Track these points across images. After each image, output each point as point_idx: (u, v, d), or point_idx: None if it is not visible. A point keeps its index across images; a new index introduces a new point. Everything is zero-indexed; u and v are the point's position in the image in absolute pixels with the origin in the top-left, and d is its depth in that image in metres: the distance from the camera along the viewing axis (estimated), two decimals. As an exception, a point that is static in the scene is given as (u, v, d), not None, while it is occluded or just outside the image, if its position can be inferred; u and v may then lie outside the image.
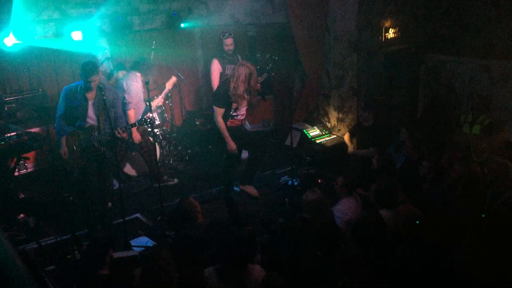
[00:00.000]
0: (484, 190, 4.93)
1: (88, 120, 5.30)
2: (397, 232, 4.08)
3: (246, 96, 5.80)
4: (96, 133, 5.30)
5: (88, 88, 5.21)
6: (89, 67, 5.13)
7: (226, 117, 5.88)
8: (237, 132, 5.99)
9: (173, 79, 7.04)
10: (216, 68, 7.05)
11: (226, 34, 6.93)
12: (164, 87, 7.03)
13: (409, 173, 5.80)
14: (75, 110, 5.26)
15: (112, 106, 5.27)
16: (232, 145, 5.88)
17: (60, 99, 5.34)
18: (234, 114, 5.94)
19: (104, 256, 3.99)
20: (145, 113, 6.39)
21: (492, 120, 6.30)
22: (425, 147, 6.41)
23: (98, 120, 5.28)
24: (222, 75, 7.00)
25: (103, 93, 5.04)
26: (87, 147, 5.31)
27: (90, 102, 5.27)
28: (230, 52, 6.96)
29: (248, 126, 7.30)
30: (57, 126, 5.38)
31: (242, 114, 6.04)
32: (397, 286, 3.54)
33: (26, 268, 1.89)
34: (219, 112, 5.80)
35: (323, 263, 3.64)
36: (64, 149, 5.28)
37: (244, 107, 5.98)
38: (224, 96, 5.78)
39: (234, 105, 5.88)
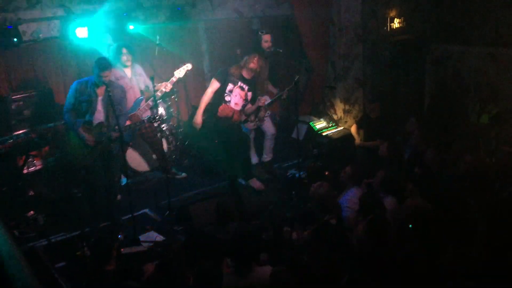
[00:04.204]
0: (492, 182, 4.89)
1: (97, 114, 5.37)
2: (403, 226, 4.06)
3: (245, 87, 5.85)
4: (105, 129, 5.37)
5: (99, 83, 5.30)
6: (103, 62, 5.30)
7: (219, 100, 6.03)
8: (224, 124, 6.04)
9: (188, 66, 6.43)
10: None
11: (264, 30, 6.63)
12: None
13: (417, 163, 5.76)
14: (84, 104, 5.34)
15: (118, 103, 5.35)
16: (197, 119, 6.09)
17: (70, 92, 5.41)
18: (227, 98, 5.98)
19: (110, 251, 4.01)
20: (137, 103, 6.32)
21: (500, 109, 6.24)
22: (433, 137, 6.38)
23: (107, 116, 5.35)
24: None
25: (109, 89, 5.17)
26: (100, 142, 5.36)
27: (99, 98, 5.36)
28: (268, 49, 6.61)
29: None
30: (67, 120, 5.42)
31: (236, 104, 6.01)
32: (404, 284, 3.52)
33: (30, 266, 1.89)
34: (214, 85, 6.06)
35: (331, 259, 3.63)
36: (88, 137, 5.31)
37: (240, 98, 5.97)
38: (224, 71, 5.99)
39: (230, 86, 5.91)
